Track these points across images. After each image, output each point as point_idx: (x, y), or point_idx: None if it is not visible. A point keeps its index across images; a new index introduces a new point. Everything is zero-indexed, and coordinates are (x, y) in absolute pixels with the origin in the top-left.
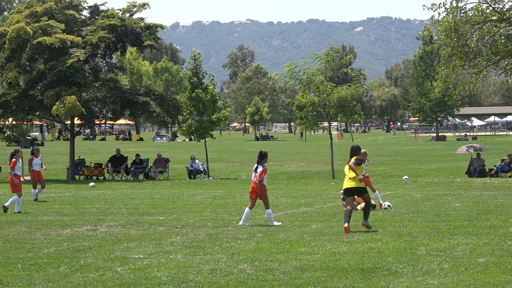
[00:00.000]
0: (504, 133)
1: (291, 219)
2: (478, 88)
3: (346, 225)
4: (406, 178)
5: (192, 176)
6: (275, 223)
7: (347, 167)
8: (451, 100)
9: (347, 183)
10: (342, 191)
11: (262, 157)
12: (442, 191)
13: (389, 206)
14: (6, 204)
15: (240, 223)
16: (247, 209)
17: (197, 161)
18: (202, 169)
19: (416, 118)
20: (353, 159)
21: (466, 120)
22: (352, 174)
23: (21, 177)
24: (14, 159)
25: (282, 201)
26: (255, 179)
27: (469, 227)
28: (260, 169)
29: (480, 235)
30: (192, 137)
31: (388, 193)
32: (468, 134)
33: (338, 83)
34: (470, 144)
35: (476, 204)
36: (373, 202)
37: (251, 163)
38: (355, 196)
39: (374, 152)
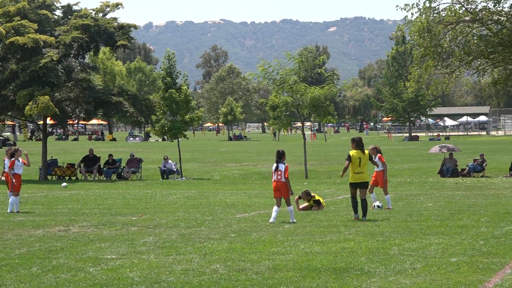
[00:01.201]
0: (477, 133)
1: (264, 219)
2: (450, 88)
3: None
4: None
5: (165, 176)
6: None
7: (364, 159)
8: (424, 100)
9: (356, 178)
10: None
11: (281, 156)
12: (414, 191)
13: (379, 206)
14: (8, 211)
15: (271, 220)
16: (276, 207)
17: (170, 161)
18: (175, 169)
19: (389, 118)
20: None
21: (438, 120)
22: (363, 169)
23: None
24: (13, 158)
25: (255, 201)
26: (278, 177)
27: (441, 227)
28: (282, 166)
29: (453, 235)
30: (165, 137)
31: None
32: (440, 134)
33: (312, 83)
34: (443, 144)
35: (448, 204)
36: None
37: (224, 163)
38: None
39: (347, 152)
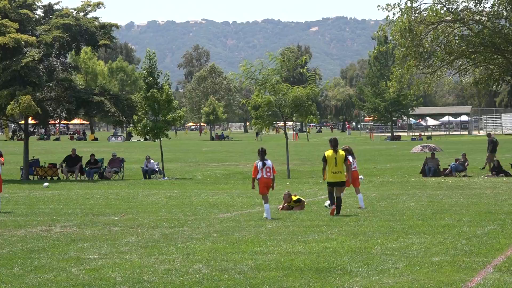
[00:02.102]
0: (458, 132)
1: (246, 219)
2: (432, 88)
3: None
4: (361, 178)
5: (147, 176)
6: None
7: (339, 158)
8: (405, 100)
9: (333, 177)
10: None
11: (265, 153)
12: (397, 190)
13: (329, 205)
14: None
15: (266, 215)
16: (267, 205)
17: (152, 161)
18: (157, 169)
19: (371, 118)
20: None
21: (420, 120)
22: (339, 168)
23: None
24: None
25: (237, 201)
26: (267, 174)
27: (423, 227)
28: (270, 163)
29: (435, 234)
30: (147, 137)
31: (343, 193)
32: (422, 133)
33: (294, 83)
34: (425, 144)
35: (430, 203)
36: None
37: (207, 163)
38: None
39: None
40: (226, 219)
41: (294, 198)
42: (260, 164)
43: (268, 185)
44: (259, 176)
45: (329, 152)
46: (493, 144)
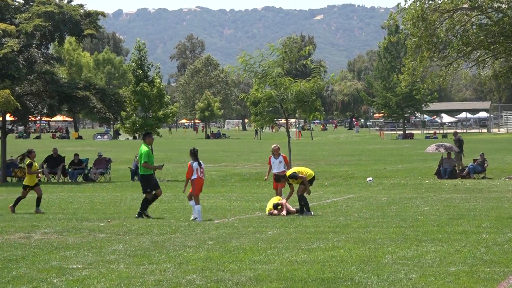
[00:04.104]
0: (477, 130)
1: (245, 225)
2: (448, 81)
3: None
4: (370, 180)
5: (136, 178)
6: (197, 218)
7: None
8: (419, 94)
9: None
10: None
11: (197, 153)
12: (409, 194)
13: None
14: None
15: (196, 217)
16: (199, 206)
17: None
18: None
19: (381, 115)
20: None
21: (435, 117)
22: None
23: None
24: None
25: (235, 205)
26: (201, 175)
27: (439, 233)
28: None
29: (451, 242)
30: (136, 135)
31: (350, 196)
32: (437, 131)
33: (296, 76)
34: (440, 143)
35: (446, 208)
36: (292, 208)
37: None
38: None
39: (335, 152)
40: (223, 225)
41: (275, 200)
42: (195, 164)
43: (201, 186)
44: (194, 176)
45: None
46: (459, 143)
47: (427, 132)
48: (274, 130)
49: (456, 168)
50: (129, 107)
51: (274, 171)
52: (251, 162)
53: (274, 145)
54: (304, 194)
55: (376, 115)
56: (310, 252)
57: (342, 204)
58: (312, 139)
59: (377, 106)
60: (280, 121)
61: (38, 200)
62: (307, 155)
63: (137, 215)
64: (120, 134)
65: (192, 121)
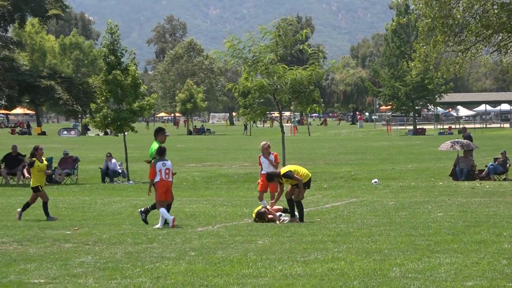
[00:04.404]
0: (498, 125)
1: (232, 233)
2: (465, 69)
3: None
4: (375, 182)
5: (107, 180)
6: (158, 225)
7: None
8: (432, 84)
9: None
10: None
11: (165, 152)
12: (420, 197)
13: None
14: None
15: (159, 225)
16: (164, 209)
17: (113, 160)
18: (120, 171)
19: (389, 107)
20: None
21: (450, 110)
22: None
23: None
24: None
25: (221, 210)
26: (167, 176)
27: (454, 243)
28: (169, 164)
29: (468, 253)
30: (108, 130)
31: (353, 200)
32: (453, 126)
33: (292, 63)
34: (456, 140)
35: (462, 214)
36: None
37: (182, 163)
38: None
39: (336, 149)
40: (207, 234)
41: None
42: (159, 164)
43: (168, 189)
44: (157, 178)
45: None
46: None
47: (441, 127)
48: (269, 125)
49: (473, 168)
50: (99, 98)
51: (263, 171)
52: (239, 161)
53: (263, 143)
54: (293, 198)
55: (383, 107)
56: (306, 264)
57: (343, 210)
58: (309, 135)
59: (384, 98)
60: (273, 115)
61: (45, 206)
62: (304, 153)
63: (142, 213)
64: (89, 130)
65: (172, 114)
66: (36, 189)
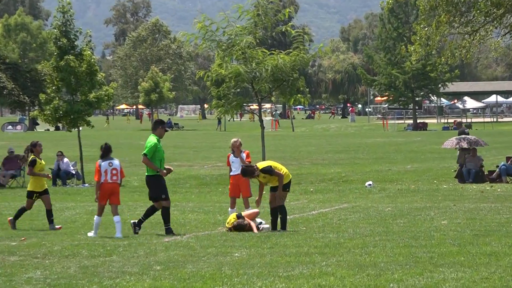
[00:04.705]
0: (510, 119)
1: (203, 244)
2: (473, 54)
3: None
4: (369, 185)
5: (59, 182)
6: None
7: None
8: (434, 72)
9: None
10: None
11: (111, 150)
12: (421, 202)
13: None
14: None
15: (92, 234)
16: (99, 218)
17: (66, 159)
18: (73, 172)
19: (385, 98)
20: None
21: (456, 101)
22: None
23: None
24: None
25: (191, 217)
26: (114, 178)
27: (460, 255)
28: (117, 163)
29: (477, 267)
30: (59, 124)
31: (343, 206)
32: (459, 120)
33: (273, 47)
34: (462, 136)
35: (470, 221)
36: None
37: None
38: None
39: (324, 147)
40: (175, 245)
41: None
42: (104, 164)
43: (114, 191)
44: (101, 180)
45: None
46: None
47: (446, 121)
48: (249, 119)
49: (481, 168)
50: (50, 88)
51: (234, 172)
52: (212, 161)
53: (235, 140)
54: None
55: (378, 98)
56: (290, 280)
57: (332, 217)
58: (293, 130)
59: (379, 87)
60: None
61: (49, 214)
62: (287, 151)
63: (165, 234)
64: (38, 124)
65: (135, 106)
66: (31, 195)
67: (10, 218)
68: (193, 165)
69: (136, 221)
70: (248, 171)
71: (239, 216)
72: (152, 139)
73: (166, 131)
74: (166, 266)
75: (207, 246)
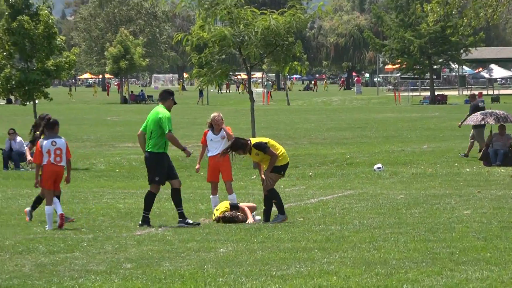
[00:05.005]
0: None
1: (183, 238)
2: (500, 14)
3: None
4: (379, 168)
5: (11, 165)
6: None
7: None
8: (455, 35)
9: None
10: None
11: (57, 125)
12: (440, 189)
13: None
14: None
15: (47, 227)
16: (50, 207)
17: (19, 138)
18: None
19: (397, 66)
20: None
21: (481, 69)
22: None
23: None
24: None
25: (168, 207)
26: (58, 159)
27: (486, 251)
28: (63, 142)
29: (505, 264)
30: (11, 97)
31: (348, 193)
32: (484, 92)
33: (264, 6)
34: (489, 110)
35: (497, 211)
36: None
37: (115, 142)
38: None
39: (326, 124)
40: (148, 239)
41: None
42: (47, 144)
43: (59, 176)
44: (44, 161)
45: None
46: (477, 112)
47: (468, 93)
48: (241, 91)
49: (511, 149)
50: (0, 54)
51: (212, 153)
52: (192, 139)
53: (215, 114)
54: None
55: (389, 66)
56: (285, 280)
57: (335, 206)
58: (288, 104)
59: (390, 53)
60: (239, 77)
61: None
62: (281, 128)
63: (140, 222)
64: None
65: (101, 76)
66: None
67: (28, 208)
68: (169, 145)
69: (141, 220)
70: (240, 143)
71: (234, 207)
72: (165, 110)
73: (175, 103)
74: (139, 264)
75: (186, 240)
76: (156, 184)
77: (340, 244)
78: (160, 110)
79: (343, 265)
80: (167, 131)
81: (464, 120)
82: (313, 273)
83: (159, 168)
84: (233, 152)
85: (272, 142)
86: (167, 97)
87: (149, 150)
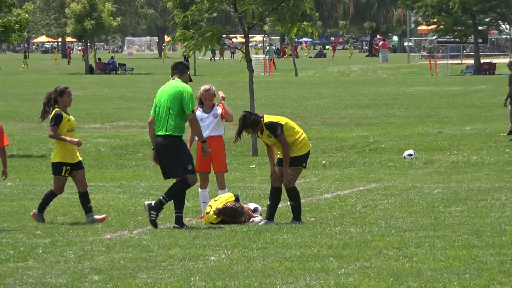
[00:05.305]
0: None
1: (164, 243)
2: None
3: None
4: (410, 155)
5: None
6: None
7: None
8: None
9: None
10: None
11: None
12: (487, 182)
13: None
14: None
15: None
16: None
17: None
18: None
19: (433, 27)
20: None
21: None
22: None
23: None
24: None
25: (143, 203)
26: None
27: None
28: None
29: None
30: None
31: (371, 187)
32: None
33: None
34: None
35: None
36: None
37: (79, 123)
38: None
39: (343, 100)
40: (120, 244)
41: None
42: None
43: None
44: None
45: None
46: None
47: None
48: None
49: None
50: None
51: (204, 134)
52: None
53: (206, 87)
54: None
55: (423, 28)
56: None
57: (355, 203)
58: (296, 74)
59: (424, 11)
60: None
61: (85, 198)
62: (287, 106)
63: (176, 224)
64: None
65: (60, 39)
66: (58, 168)
67: (34, 210)
68: (146, 126)
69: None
70: (251, 119)
71: (238, 199)
72: (186, 85)
73: (191, 80)
74: (108, 276)
75: (168, 246)
76: (192, 174)
77: (361, 251)
78: (179, 85)
79: (365, 277)
80: (190, 111)
81: (508, 96)
82: (328, 286)
83: (188, 154)
84: (242, 133)
85: (290, 123)
86: (184, 70)
87: (169, 133)
